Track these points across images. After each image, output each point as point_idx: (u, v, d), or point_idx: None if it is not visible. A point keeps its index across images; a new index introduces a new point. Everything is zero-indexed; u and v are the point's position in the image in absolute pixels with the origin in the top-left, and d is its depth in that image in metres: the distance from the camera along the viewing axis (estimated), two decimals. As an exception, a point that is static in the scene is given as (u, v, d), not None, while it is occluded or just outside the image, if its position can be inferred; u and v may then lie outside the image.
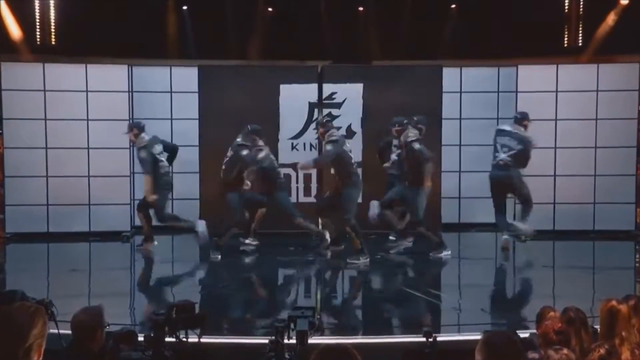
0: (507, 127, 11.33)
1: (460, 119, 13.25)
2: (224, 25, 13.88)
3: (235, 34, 13.88)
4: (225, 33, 13.86)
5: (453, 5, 13.82)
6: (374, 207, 11.23)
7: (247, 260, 11.38)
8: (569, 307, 5.13)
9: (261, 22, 13.99)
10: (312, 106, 12.79)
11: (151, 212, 11.51)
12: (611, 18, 12.99)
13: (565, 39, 13.78)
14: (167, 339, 5.00)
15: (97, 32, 12.98)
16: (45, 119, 12.37)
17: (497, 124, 12.69)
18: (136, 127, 11.45)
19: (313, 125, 12.64)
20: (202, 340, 5.18)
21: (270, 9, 13.84)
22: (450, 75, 12.88)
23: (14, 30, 12.81)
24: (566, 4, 13.70)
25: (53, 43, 13.32)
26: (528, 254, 11.50)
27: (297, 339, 4.91)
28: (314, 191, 12.80)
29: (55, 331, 5.18)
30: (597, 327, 5.00)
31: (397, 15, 13.75)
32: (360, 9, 13.87)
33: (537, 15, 13.18)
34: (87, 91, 12.46)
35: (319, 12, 13.84)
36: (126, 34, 13.05)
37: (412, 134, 10.91)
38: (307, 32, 13.68)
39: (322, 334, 5.32)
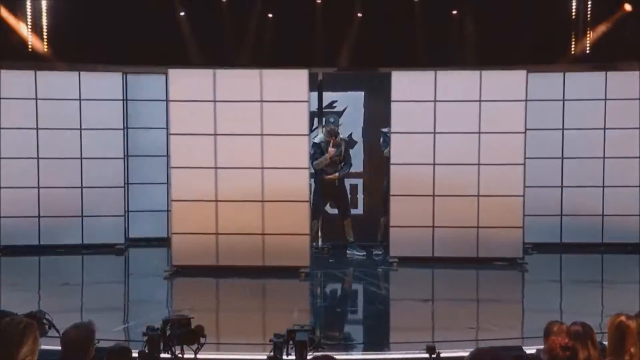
0: None
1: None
2: (222, 32, 13.88)
3: (233, 40, 13.88)
4: (223, 40, 13.86)
5: (454, 12, 13.83)
6: None
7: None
8: (576, 321, 5.12)
9: (260, 28, 13.98)
10: (312, 115, 12.77)
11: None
12: (614, 24, 13.06)
13: (572, 45, 13.80)
14: (162, 355, 5.00)
15: (90, 39, 12.97)
16: (37, 128, 12.32)
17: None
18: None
19: (314, 134, 12.63)
20: (199, 356, 5.17)
21: (270, 15, 13.84)
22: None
23: (17, 35, 12.77)
24: (573, 10, 13.73)
25: (45, 50, 13.31)
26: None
27: (295, 352, 4.90)
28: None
29: (51, 346, 5.17)
30: (605, 343, 4.98)
31: (401, 21, 13.76)
32: (359, 15, 13.87)
33: (543, 21, 13.19)
34: (80, 99, 12.42)
35: (318, 18, 13.84)
36: (120, 40, 13.05)
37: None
38: (308, 38, 13.69)
39: (323, 350, 5.30)
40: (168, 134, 11.13)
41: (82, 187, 12.43)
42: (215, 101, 10.88)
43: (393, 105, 11.30)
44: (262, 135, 10.83)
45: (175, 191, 10.95)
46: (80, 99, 12.40)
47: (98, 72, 12.69)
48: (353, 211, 12.39)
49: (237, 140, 10.86)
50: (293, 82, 10.84)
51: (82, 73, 12.47)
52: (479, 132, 11.28)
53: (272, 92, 10.84)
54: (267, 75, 10.87)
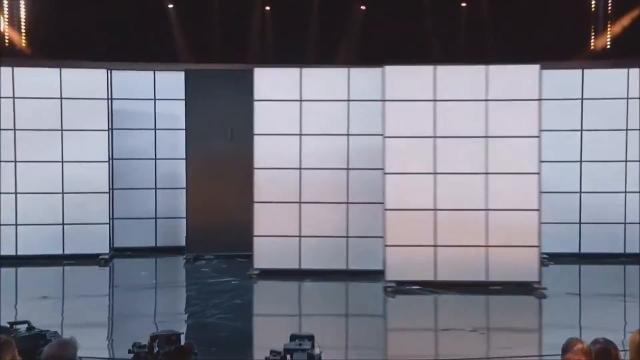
0: None
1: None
2: (215, 26, 13.89)
3: (227, 35, 13.88)
4: (216, 34, 13.86)
5: (464, 4, 13.88)
6: None
7: (237, 284, 11.33)
8: (598, 338, 5.08)
9: (258, 23, 14.02)
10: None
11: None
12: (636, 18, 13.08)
13: (592, 40, 13.81)
14: (149, 375, 4.96)
15: (72, 34, 12.97)
16: (15, 129, 12.30)
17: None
18: None
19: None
20: (188, 375, 5.13)
21: (267, 8, 13.87)
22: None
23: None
24: (593, 3, 13.75)
25: (24, 45, 13.31)
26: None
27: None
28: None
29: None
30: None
31: (406, 17, 13.81)
32: (363, 7, 13.92)
33: (561, 16, 13.21)
34: (61, 98, 12.40)
35: (317, 13, 13.89)
36: (105, 35, 13.05)
37: None
38: (310, 34, 13.73)
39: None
40: (384, 137, 10.70)
41: (62, 193, 12.38)
42: (435, 100, 10.68)
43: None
44: (486, 137, 10.62)
45: (390, 200, 10.71)
46: (61, 98, 12.36)
47: (81, 69, 12.66)
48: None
49: (458, 142, 10.64)
50: (522, 78, 10.66)
51: (63, 70, 12.44)
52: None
53: (499, 90, 10.64)
54: (492, 72, 10.65)
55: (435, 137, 10.69)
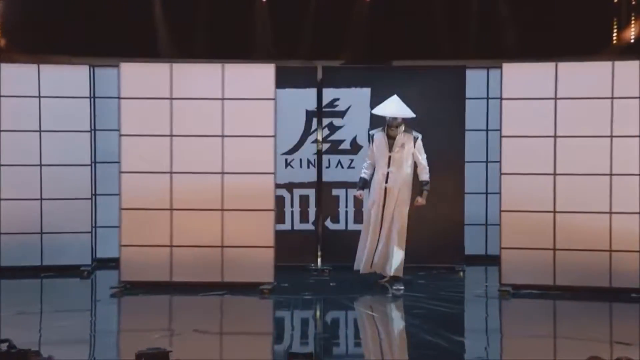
0: None
1: (487, 130, 13.22)
2: (203, 19, 13.89)
3: (218, 28, 13.90)
4: (205, 27, 13.87)
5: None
6: None
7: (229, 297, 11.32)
8: (621, 357, 5.10)
9: (253, 15, 14.05)
10: (309, 115, 12.77)
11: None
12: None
13: (614, 34, 13.82)
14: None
15: (51, 27, 12.97)
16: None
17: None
18: None
19: (311, 138, 12.63)
20: (177, 396, 5.13)
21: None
22: (475, 79, 12.89)
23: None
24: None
25: (-1, 40, 13.33)
26: None
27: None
28: (311, 217, 12.79)
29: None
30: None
31: (414, 8, 13.83)
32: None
33: (579, 7, 13.20)
34: (39, 97, 12.39)
35: (321, 3, 13.92)
36: (87, 29, 13.04)
37: None
38: (309, 28, 13.73)
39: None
40: (501, 136, 11.12)
41: (41, 199, 12.36)
42: (555, 99, 10.99)
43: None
44: (611, 137, 10.89)
45: (506, 201, 11.10)
46: (39, 96, 12.34)
47: (61, 65, 12.65)
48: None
49: (578, 142, 11.00)
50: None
51: (41, 66, 12.42)
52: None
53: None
54: (617, 68, 10.87)
55: (555, 136, 10.96)
